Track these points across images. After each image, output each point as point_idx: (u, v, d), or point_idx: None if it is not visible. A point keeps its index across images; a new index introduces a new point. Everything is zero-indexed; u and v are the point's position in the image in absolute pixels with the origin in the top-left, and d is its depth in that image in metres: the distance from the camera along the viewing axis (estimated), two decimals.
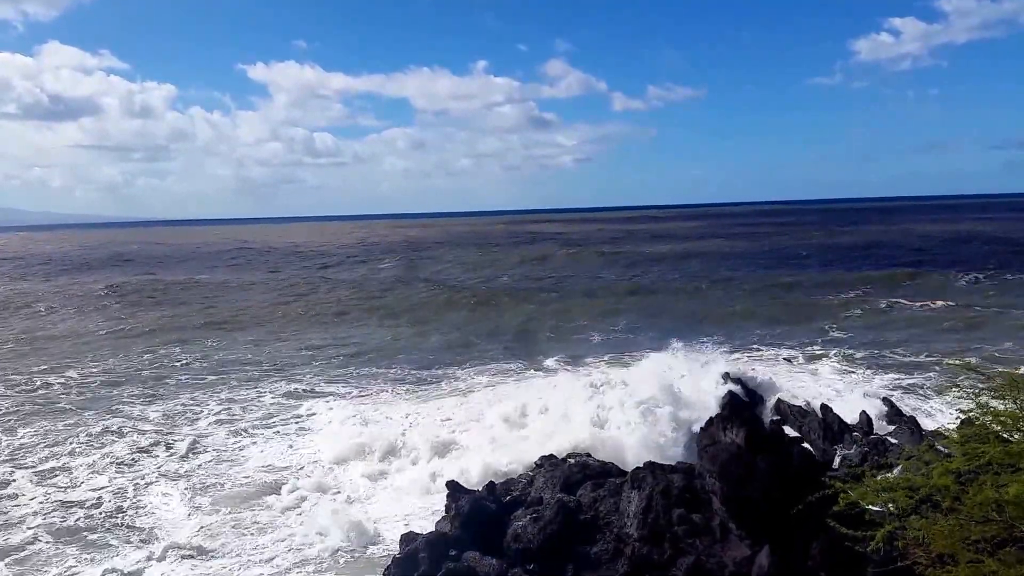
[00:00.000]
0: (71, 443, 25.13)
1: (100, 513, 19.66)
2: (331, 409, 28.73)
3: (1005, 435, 9.11)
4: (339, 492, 20.98)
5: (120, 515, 19.55)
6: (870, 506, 10.60)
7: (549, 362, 36.49)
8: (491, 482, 18.61)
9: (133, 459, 23.85)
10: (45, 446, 24.91)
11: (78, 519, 19.29)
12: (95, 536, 18.38)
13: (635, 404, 23.60)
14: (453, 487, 17.57)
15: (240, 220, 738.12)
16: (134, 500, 20.55)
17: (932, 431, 19.52)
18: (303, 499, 20.29)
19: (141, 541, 18.07)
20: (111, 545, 17.91)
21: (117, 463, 23.35)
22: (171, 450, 24.50)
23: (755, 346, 38.08)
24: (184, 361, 38.82)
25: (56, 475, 22.35)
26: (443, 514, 17.05)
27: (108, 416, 28.59)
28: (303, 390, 32.13)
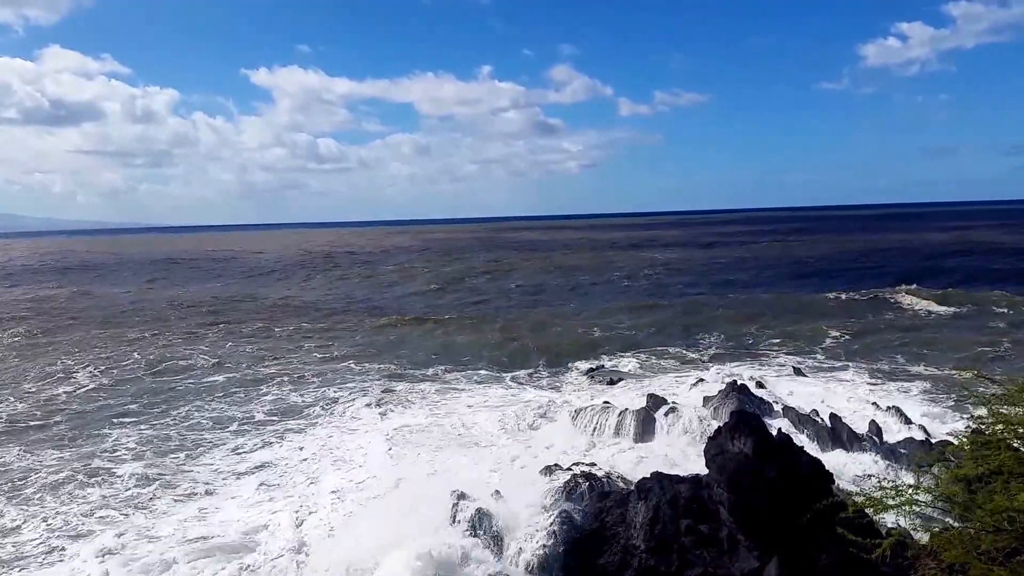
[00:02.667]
0: None
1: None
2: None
3: (1016, 443, 8.98)
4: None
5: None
6: (879, 515, 10.46)
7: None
8: (496, 491, 18.51)
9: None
10: None
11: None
12: None
13: None
14: (458, 496, 17.48)
15: (241, 226, 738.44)
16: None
17: (942, 440, 19.32)
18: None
19: None
20: None
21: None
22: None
23: (764, 355, 37.90)
24: None
25: None
26: (448, 523, 16.95)
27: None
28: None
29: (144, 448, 25.09)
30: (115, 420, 28.75)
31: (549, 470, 19.99)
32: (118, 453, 24.65)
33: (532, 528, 15.85)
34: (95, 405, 31.31)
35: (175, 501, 20.46)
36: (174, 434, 26.77)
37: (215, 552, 17.18)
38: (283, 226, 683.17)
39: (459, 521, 16.39)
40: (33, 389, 34.29)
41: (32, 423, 28.59)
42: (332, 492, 21.16)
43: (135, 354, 42.38)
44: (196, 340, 47.31)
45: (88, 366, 39.22)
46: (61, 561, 17.35)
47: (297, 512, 19.44)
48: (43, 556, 17.63)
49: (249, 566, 16.48)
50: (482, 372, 36.72)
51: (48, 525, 19.22)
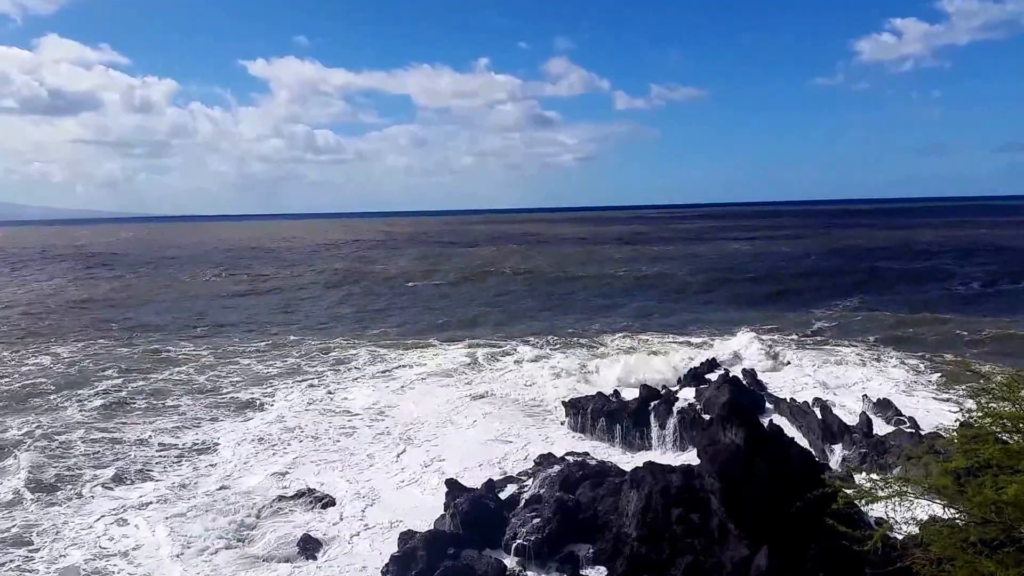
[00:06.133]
0: None
1: None
2: None
3: (1004, 436, 9.09)
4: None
5: None
6: (869, 506, 10.58)
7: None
8: (490, 480, 18.65)
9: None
10: None
11: None
12: None
13: None
14: (452, 485, 17.59)
15: (238, 217, 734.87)
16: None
17: (931, 432, 19.51)
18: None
19: None
20: None
21: None
22: None
23: (756, 348, 37.97)
24: None
25: None
26: (442, 512, 17.06)
27: None
28: None
29: None
30: None
31: (544, 459, 20.14)
32: None
33: (526, 515, 15.98)
34: None
35: None
36: None
37: None
38: (279, 217, 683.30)
39: (453, 509, 16.50)
40: None
41: None
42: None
43: None
44: None
45: None
46: None
47: None
48: None
49: None
50: (468, 364, 36.71)
51: None
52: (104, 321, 52.79)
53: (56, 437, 25.57)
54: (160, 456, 23.93)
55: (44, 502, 20.40)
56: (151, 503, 20.16)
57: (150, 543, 17.86)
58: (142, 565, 16.91)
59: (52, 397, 31.13)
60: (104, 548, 17.71)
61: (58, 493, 20.96)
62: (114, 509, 19.86)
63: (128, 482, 21.79)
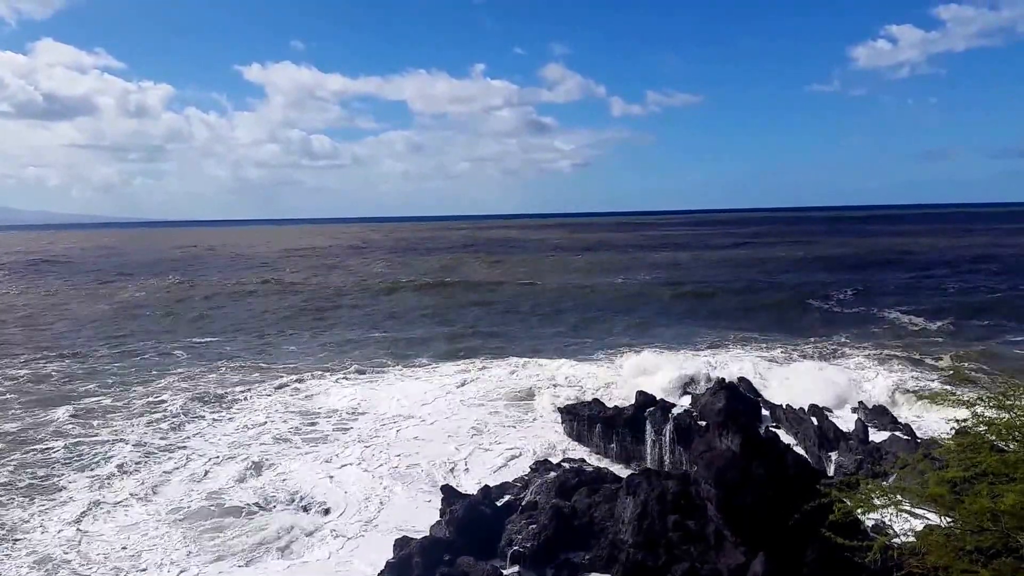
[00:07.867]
0: None
1: None
2: None
3: (1000, 444, 9.09)
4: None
5: None
6: (865, 516, 10.57)
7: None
8: (486, 486, 18.63)
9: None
10: None
11: None
12: None
13: None
14: (447, 491, 17.56)
15: (234, 222, 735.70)
16: None
17: (927, 440, 19.53)
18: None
19: None
20: None
21: None
22: None
23: (752, 354, 38.04)
24: None
25: None
26: (437, 518, 17.01)
27: None
28: None
29: None
30: None
31: (540, 465, 20.12)
32: None
33: (522, 522, 15.93)
34: None
35: None
36: None
37: None
38: (276, 222, 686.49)
39: (449, 515, 16.45)
40: None
41: None
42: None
43: None
44: None
45: None
46: None
47: None
48: None
49: None
50: (459, 370, 36.59)
51: None
52: (77, 327, 52.61)
53: (32, 443, 25.56)
54: (142, 462, 23.82)
55: (18, 503, 20.40)
56: (133, 509, 20.05)
57: (136, 547, 17.77)
58: (124, 569, 16.84)
59: (28, 403, 31.14)
60: (83, 551, 17.64)
61: (34, 494, 20.94)
62: (95, 509, 19.86)
63: (108, 486, 21.73)
